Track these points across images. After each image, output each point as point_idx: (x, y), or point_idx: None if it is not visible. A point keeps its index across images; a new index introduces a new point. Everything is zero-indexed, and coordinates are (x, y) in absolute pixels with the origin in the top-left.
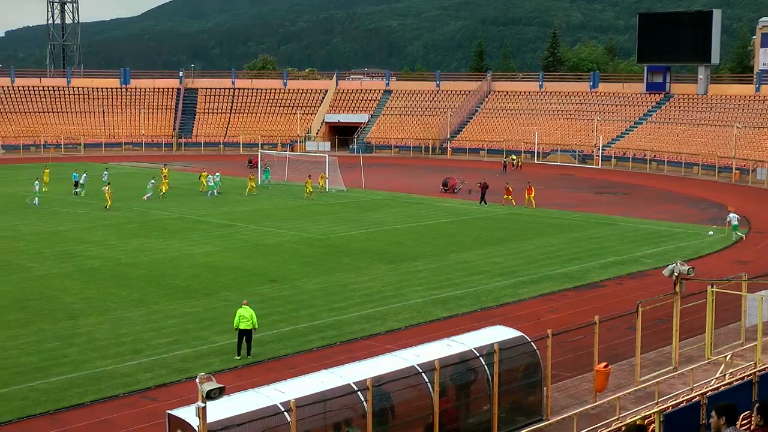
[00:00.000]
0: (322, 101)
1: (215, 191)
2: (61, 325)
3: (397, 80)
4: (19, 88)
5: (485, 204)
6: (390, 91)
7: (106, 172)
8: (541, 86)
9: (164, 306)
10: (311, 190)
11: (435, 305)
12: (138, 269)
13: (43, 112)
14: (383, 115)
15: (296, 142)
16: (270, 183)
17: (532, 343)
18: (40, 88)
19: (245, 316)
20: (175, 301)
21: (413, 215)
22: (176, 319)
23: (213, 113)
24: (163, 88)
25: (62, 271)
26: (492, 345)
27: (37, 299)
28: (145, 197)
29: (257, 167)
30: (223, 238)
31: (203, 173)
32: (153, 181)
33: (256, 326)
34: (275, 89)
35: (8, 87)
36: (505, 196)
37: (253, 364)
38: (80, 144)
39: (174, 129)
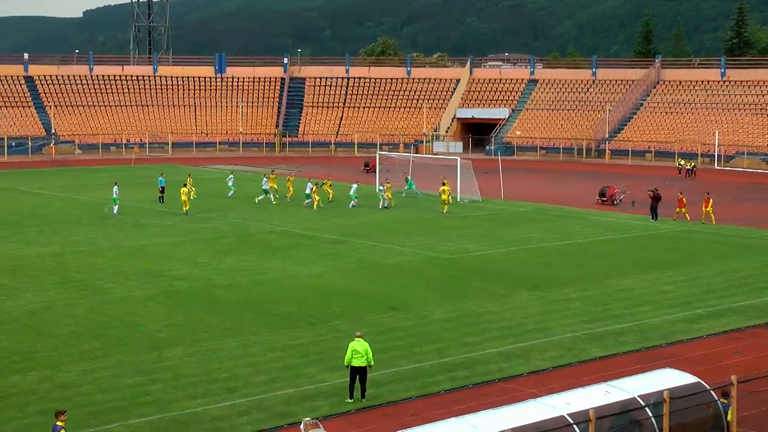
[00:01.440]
0: (452, 93)
1: (352, 203)
2: (143, 357)
3: (543, 68)
4: (99, 78)
5: (656, 220)
6: (535, 81)
7: (231, 176)
8: (723, 74)
9: (263, 337)
10: (448, 200)
11: (589, 342)
12: (233, 293)
13: (126, 106)
14: (527, 109)
15: (421, 142)
16: (418, 192)
17: (712, 392)
18: (122, 78)
19: (359, 351)
20: (277, 330)
21: (563, 231)
22: (277, 352)
23: (323, 107)
24: (265, 78)
25: (145, 293)
26: (661, 393)
27: (116, 326)
28: (257, 199)
29: (375, 171)
30: (334, 257)
31: (290, 178)
32: (264, 181)
33: (372, 363)
34: (397, 79)
35: (86, 76)
36: (678, 209)
37: (368, 409)
38: (167, 143)
39: (277, 126)
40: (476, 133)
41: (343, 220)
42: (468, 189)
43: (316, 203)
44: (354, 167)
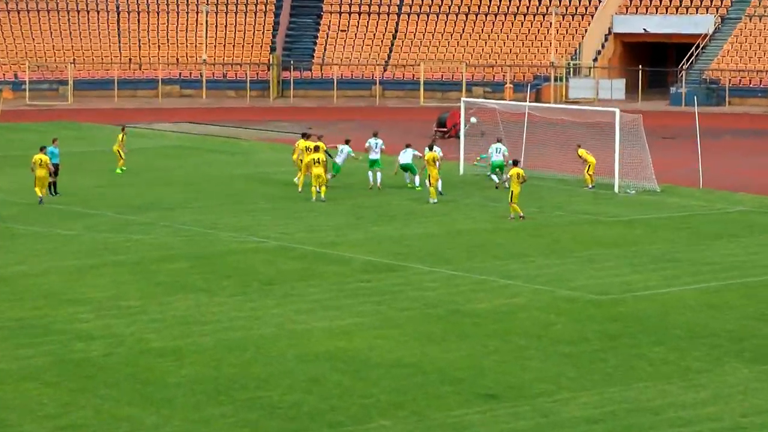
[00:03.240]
0: None
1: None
2: None
3: None
4: None
5: None
6: None
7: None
8: None
9: None
10: (592, 179)
11: None
12: (186, 367)
13: None
14: (748, 19)
15: (546, 80)
16: (505, 177)
17: None
18: None
19: None
20: None
21: None
22: None
23: (357, 15)
24: None
25: (20, 368)
26: None
27: None
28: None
29: (458, 135)
30: (376, 298)
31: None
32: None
33: None
34: None
35: None
36: None
37: None
38: (65, 82)
39: (272, 50)
40: (651, 62)
41: (392, 227)
42: (635, 170)
43: (316, 191)
44: (417, 128)
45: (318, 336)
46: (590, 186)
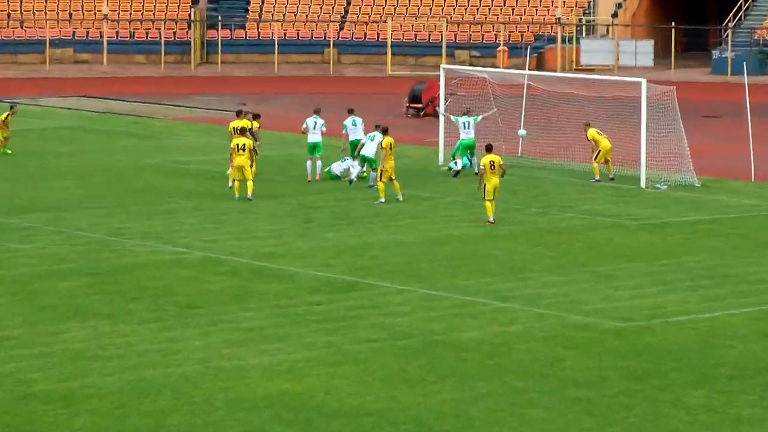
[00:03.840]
0: None
1: (352, 172)
2: None
3: None
4: None
5: None
6: None
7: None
8: None
9: None
10: (609, 168)
11: None
12: (81, 413)
13: None
14: None
15: (552, 41)
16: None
17: None
18: None
19: None
20: None
21: None
22: None
23: None
24: None
25: None
26: None
27: None
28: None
29: (436, 113)
30: (329, 326)
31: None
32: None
33: None
34: None
35: None
36: None
37: None
38: None
39: (194, 2)
40: (688, 19)
41: (351, 233)
42: (667, 158)
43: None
44: (383, 104)
45: (255, 376)
46: (596, 178)
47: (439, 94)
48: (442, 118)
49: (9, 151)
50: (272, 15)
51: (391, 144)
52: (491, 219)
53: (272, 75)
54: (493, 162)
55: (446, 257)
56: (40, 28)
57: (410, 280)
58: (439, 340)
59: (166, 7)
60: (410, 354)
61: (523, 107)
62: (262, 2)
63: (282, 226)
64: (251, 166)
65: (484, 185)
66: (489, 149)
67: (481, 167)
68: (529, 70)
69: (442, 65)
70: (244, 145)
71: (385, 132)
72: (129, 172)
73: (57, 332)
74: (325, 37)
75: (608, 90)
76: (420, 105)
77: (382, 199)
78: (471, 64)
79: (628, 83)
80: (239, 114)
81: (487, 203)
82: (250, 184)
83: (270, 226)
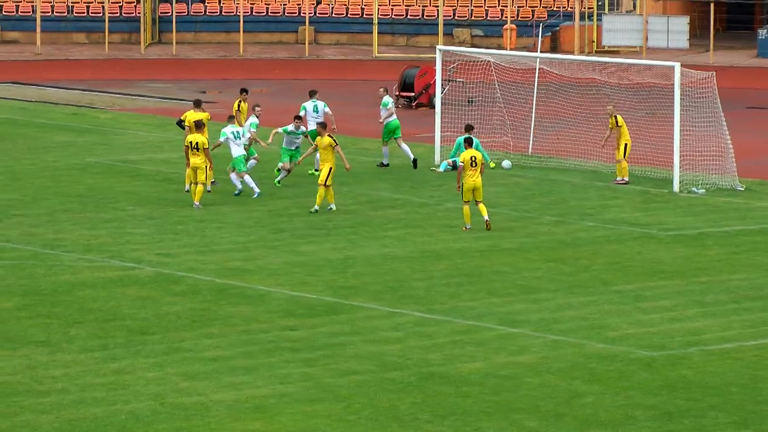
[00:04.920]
0: None
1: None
2: None
3: None
4: None
5: None
6: None
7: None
8: None
9: None
10: (625, 164)
11: None
12: None
13: None
14: None
15: (568, 18)
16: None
17: None
18: None
19: None
20: None
21: None
22: None
23: None
24: None
25: None
26: None
27: None
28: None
29: (431, 103)
30: (307, 353)
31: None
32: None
33: None
34: None
35: None
36: None
37: None
38: None
39: None
40: None
41: (332, 245)
42: (706, 157)
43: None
44: (368, 92)
45: (219, 414)
46: (625, 179)
47: (434, 81)
48: (438, 109)
49: None
50: None
51: (331, 143)
52: (468, 225)
53: (237, 58)
54: (474, 158)
55: (444, 274)
56: None
57: (402, 302)
58: (436, 372)
59: None
60: (402, 389)
61: (534, 97)
62: None
63: (250, 237)
64: (209, 168)
65: (462, 184)
66: (470, 143)
67: (461, 164)
68: (541, 52)
69: (438, 46)
70: (197, 144)
71: (324, 126)
72: (68, 173)
73: None
74: (299, 12)
75: (635, 76)
76: (412, 94)
77: (332, 205)
78: (473, 45)
79: (658, 68)
80: (197, 105)
81: (465, 206)
82: (199, 187)
83: (235, 238)
